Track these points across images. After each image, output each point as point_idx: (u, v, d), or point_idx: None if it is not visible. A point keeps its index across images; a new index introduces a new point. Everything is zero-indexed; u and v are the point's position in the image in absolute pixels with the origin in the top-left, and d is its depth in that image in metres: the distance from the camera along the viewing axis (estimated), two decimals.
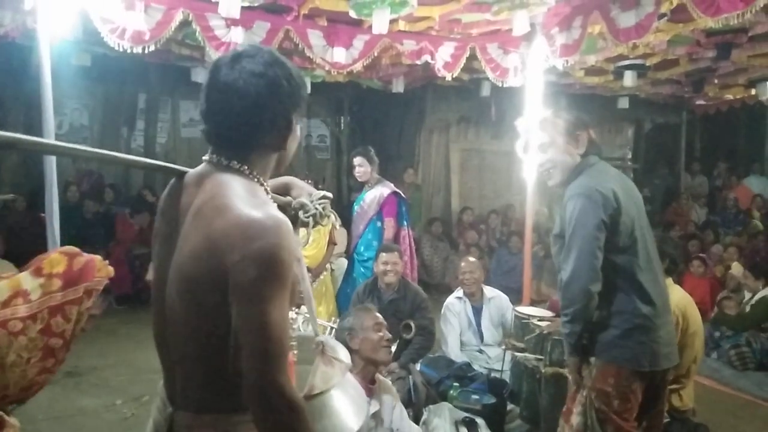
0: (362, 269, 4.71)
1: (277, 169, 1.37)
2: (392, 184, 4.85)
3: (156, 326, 1.30)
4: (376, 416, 2.48)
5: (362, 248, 4.76)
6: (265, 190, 1.29)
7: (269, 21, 4.62)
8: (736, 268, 6.04)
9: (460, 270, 4.48)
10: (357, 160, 4.83)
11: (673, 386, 3.53)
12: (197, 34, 4.44)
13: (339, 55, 4.87)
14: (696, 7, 3.47)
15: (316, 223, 1.57)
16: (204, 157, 1.31)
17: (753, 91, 7.23)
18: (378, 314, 2.75)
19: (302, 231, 1.56)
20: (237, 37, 4.51)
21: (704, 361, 4.32)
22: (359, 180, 4.92)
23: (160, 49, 4.61)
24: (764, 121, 9.51)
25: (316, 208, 1.55)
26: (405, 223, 4.87)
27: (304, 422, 1.15)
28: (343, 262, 5.37)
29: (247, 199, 1.17)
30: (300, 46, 4.77)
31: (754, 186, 9.02)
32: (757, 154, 9.86)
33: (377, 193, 4.74)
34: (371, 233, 4.73)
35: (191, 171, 1.32)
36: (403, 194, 4.95)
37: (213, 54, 4.57)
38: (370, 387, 2.52)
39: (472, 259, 4.67)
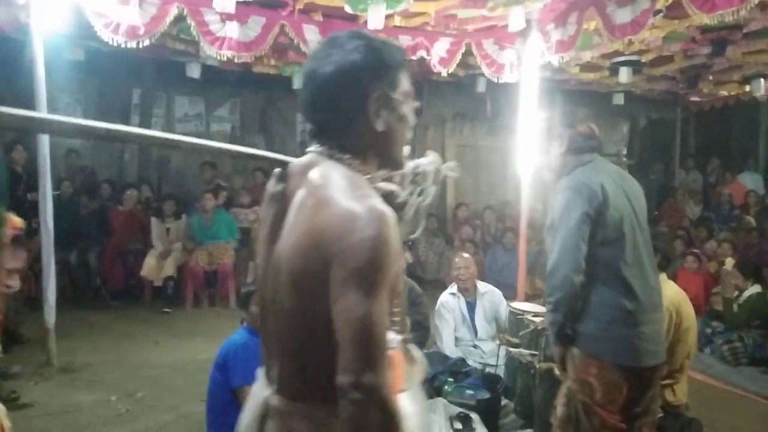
0: None
1: (384, 152, 1.29)
2: None
3: (260, 310, 1.33)
4: None
5: None
6: (370, 178, 1.25)
7: (264, 16, 4.61)
8: (730, 264, 6.07)
9: (454, 266, 4.48)
10: None
11: (667, 381, 3.55)
12: (192, 28, 4.42)
13: None
14: (691, 4, 3.48)
15: (434, 186, 1.47)
16: (308, 149, 1.29)
17: (747, 88, 7.25)
18: None
19: (412, 216, 1.46)
20: (232, 32, 4.49)
21: (697, 357, 4.34)
22: None
23: (154, 44, 4.60)
24: (758, 117, 9.54)
25: (429, 169, 1.46)
26: None
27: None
28: None
29: (348, 191, 1.14)
30: (295, 41, 4.76)
31: (747, 182, 9.05)
32: (750, 150, 9.89)
33: None
34: None
35: (296, 161, 1.30)
36: None
37: (207, 49, 4.56)
38: None
39: (465, 254, 4.68)
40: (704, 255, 6.54)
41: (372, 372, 1.05)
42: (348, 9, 4.28)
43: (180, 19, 4.43)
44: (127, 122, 8.37)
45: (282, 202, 1.25)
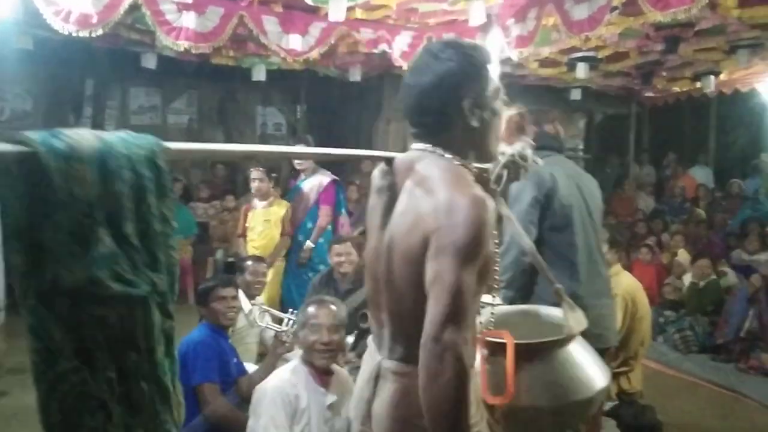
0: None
1: (480, 145, 1.46)
2: (330, 172, 4.82)
3: (369, 287, 1.50)
4: (333, 407, 2.45)
5: (301, 237, 4.74)
6: (468, 169, 1.42)
7: (223, 6, 4.52)
8: (683, 255, 6.28)
9: None
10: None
11: (622, 369, 3.66)
12: (147, 18, 4.30)
13: (295, 42, 4.81)
14: (646, 1, 3.57)
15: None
16: (411, 146, 1.46)
17: (698, 84, 7.47)
18: (321, 312, 2.54)
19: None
20: (189, 22, 4.40)
21: (651, 345, 4.48)
22: (297, 168, 4.92)
23: (108, 33, 4.46)
24: (708, 113, 9.86)
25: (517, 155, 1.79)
26: (343, 210, 4.89)
27: (465, 391, 1.19)
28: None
29: (452, 182, 1.31)
30: (254, 32, 4.68)
31: (698, 176, 9.36)
32: (701, 144, 10.23)
33: (316, 181, 4.74)
34: (311, 222, 4.72)
35: (400, 156, 1.48)
36: (341, 182, 4.92)
37: (164, 39, 4.45)
38: (325, 378, 2.48)
39: None
40: (657, 246, 6.75)
41: (452, 329, 1.18)
42: (309, 0, 4.23)
43: (135, 7, 4.31)
44: (79, 114, 8.12)
45: (390, 193, 1.44)
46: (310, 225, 4.73)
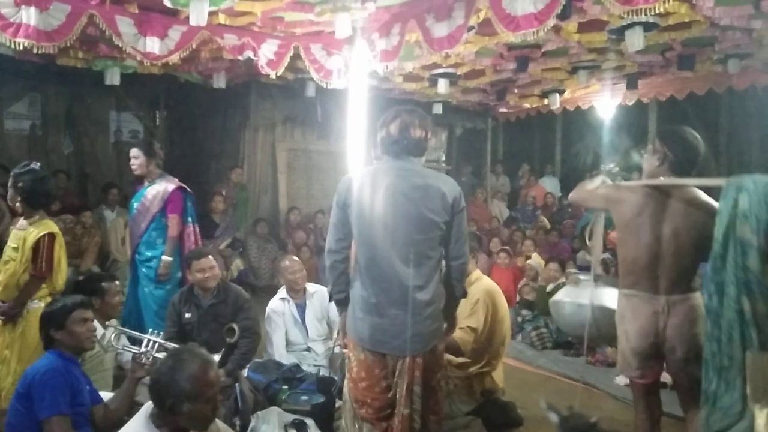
0: (144, 270, 4.36)
1: None
2: (177, 180, 4.54)
3: (649, 260, 2.63)
4: None
5: (144, 248, 4.38)
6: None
7: (70, 3, 4.15)
8: (536, 259, 6.77)
9: (287, 270, 4.41)
10: (132, 152, 4.48)
11: (485, 369, 3.85)
12: None
13: (152, 45, 4.54)
14: (500, 22, 3.81)
15: None
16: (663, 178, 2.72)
17: (546, 101, 8.16)
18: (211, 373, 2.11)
19: None
20: (29, 18, 3.98)
21: (511, 344, 4.77)
22: (135, 173, 4.57)
23: None
24: (554, 127, 10.81)
25: None
26: (190, 219, 4.56)
27: None
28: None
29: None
30: (107, 33, 4.36)
31: (547, 185, 10.21)
32: (549, 156, 11.17)
33: (161, 188, 4.40)
34: (155, 231, 4.37)
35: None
36: (188, 189, 4.59)
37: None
38: None
39: (295, 258, 4.65)
40: (513, 251, 7.23)
41: None
42: (167, 2, 4.02)
43: None
44: None
45: (659, 202, 2.63)
46: (154, 234, 4.40)
